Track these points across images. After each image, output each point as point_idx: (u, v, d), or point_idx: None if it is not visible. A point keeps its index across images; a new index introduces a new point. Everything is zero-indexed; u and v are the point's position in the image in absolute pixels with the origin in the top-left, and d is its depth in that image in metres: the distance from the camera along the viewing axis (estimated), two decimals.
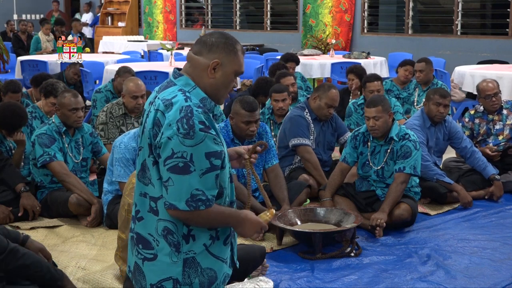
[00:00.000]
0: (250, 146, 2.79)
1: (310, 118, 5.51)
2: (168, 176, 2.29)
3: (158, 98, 2.40)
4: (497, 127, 5.91)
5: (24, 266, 3.13)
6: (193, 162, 2.27)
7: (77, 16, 17.88)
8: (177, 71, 2.45)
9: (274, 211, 2.69)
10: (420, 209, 5.11)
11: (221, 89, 2.44)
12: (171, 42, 13.18)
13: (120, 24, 16.86)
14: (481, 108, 5.98)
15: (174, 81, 2.43)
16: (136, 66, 7.97)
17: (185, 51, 11.18)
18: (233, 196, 2.55)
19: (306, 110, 5.53)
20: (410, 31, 12.34)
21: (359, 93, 7.22)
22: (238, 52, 2.43)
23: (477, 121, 6.00)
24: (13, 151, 5.20)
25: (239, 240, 3.74)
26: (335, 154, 6.30)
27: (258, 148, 2.76)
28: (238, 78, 8.62)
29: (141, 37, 15.20)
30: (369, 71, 8.99)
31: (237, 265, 2.64)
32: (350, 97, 7.46)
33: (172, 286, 2.39)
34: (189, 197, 2.28)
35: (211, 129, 2.32)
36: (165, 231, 2.38)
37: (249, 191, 2.81)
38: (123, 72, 6.53)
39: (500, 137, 5.91)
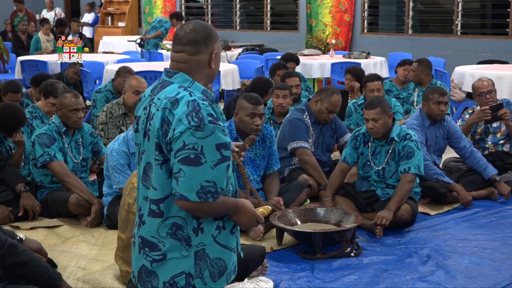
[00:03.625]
0: (240, 143, 2.85)
1: (309, 121, 5.51)
2: (179, 167, 2.31)
3: (159, 98, 2.40)
4: (494, 125, 5.90)
5: (23, 263, 3.12)
6: (204, 154, 2.30)
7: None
8: (170, 70, 2.47)
9: (270, 208, 2.74)
10: (420, 209, 5.11)
11: (216, 71, 2.52)
12: (171, 42, 13.15)
13: (120, 24, 16.85)
14: (478, 108, 5.98)
15: (169, 80, 2.45)
16: (136, 66, 7.96)
17: None
18: (237, 185, 2.59)
19: (306, 113, 5.52)
20: (410, 31, 12.34)
21: (359, 93, 7.20)
22: (216, 33, 2.53)
23: None
24: (13, 151, 5.20)
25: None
26: (335, 154, 6.29)
27: (246, 145, 2.84)
28: (238, 78, 8.66)
29: None
30: (369, 71, 8.99)
31: (241, 255, 2.66)
32: (349, 97, 7.46)
33: (185, 280, 2.40)
34: (199, 189, 2.30)
35: (219, 120, 2.36)
36: (173, 228, 2.39)
37: (246, 180, 2.88)
38: (123, 72, 6.53)
39: (498, 135, 5.91)
